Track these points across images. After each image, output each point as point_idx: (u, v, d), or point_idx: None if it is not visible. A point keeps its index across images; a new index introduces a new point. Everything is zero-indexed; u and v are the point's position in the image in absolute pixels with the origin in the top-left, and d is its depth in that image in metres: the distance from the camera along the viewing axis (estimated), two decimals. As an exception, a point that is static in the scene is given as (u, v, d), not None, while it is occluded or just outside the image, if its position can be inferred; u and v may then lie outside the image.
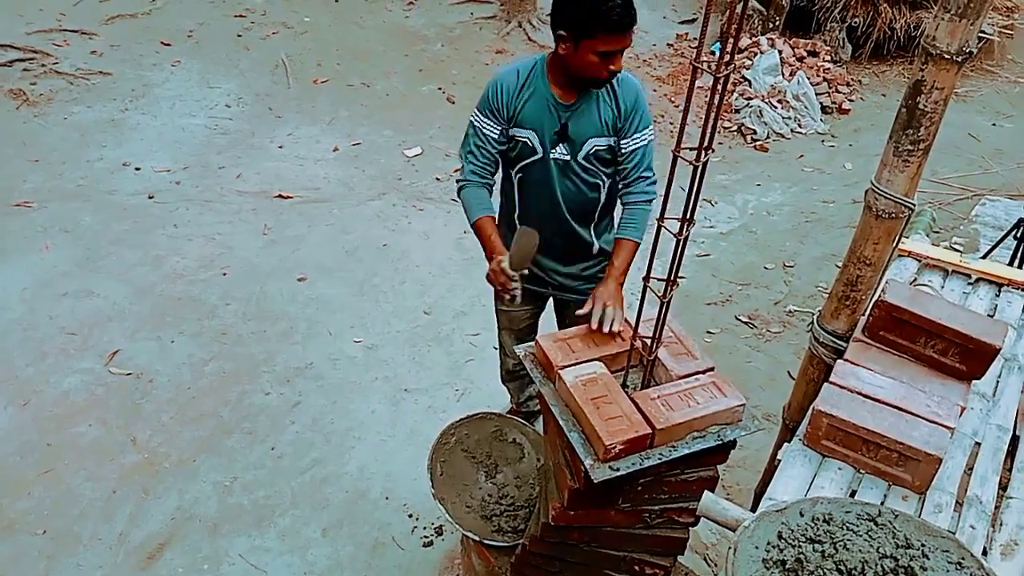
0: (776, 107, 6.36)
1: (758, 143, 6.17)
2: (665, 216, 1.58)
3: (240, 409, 3.61)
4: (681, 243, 1.59)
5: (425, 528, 3.14)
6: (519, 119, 2.44)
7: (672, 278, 1.66)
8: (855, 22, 7.24)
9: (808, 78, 6.61)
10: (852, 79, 7.06)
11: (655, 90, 6.92)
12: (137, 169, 5.21)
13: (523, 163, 2.51)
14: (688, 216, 1.55)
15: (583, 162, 2.45)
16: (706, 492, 1.58)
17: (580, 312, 2.09)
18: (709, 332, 4.27)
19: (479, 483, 2.48)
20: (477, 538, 2.30)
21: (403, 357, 3.97)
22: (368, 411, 3.66)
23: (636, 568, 2.02)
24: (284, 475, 3.33)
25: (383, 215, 5.00)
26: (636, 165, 2.45)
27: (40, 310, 4.03)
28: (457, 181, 2.57)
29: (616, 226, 2.56)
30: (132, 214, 4.80)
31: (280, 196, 5.07)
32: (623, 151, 2.42)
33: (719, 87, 1.31)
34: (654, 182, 2.49)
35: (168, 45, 6.78)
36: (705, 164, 1.48)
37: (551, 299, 2.98)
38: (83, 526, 3.05)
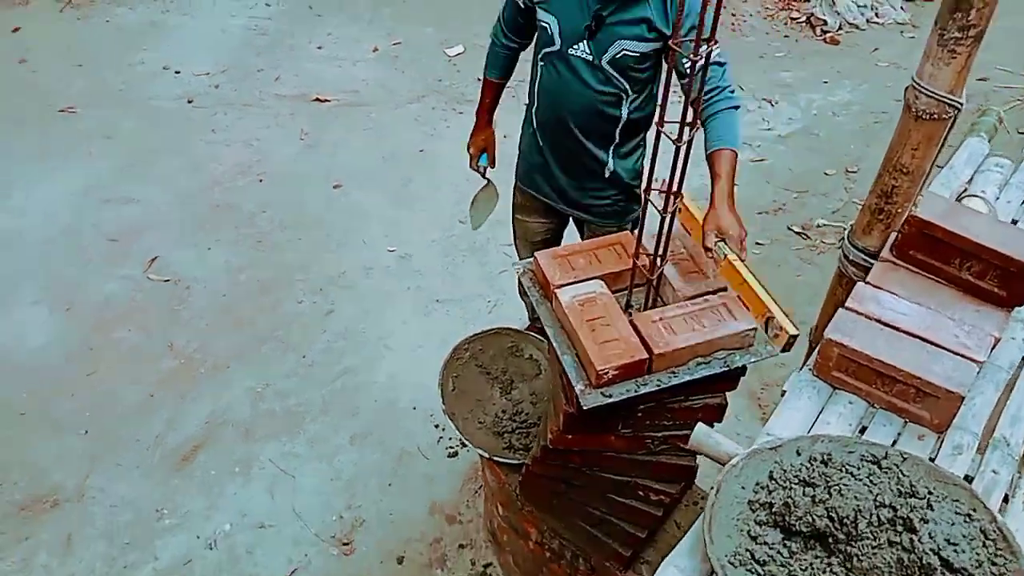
0: (852, -6, 5.80)
1: (828, 35, 5.67)
2: (664, 120, 1.40)
3: (274, 317, 3.63)
4: (683, 149, 1.42)
5: (451, 439, 3.14)
6: (544, 1, 2.19)
7: (675, 190, 1.50)
8: None
9: (891, -40, 5.98)
10: (942, -39, 6.37)
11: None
12: (177, 72, 5.16)
13: (543, 51, 2.26)
14: (691, 120, 1.37)
15: (607, 67, 2.15)
16: (699, 424, 1.46)
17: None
18: (758, 243, 4.04)
19: (493, 399, 2.42)
20: (487, 455, 2.26)
21: (436, 267, 3.90)
22: (399, 321, 3.63)
23: (641, 493, 1.94)
24: (315, 383, 3.36)
25: (421, 119, 4.85)
26: (715, 77, 2.08)
27: (84, 216, 4.10)
28: (490, 37, 2.51)
29: (709, 139, 2.06)
30: (172, 119, 4.78)
31: (318, 99, 4.96)
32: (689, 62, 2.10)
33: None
34: (734, 91, 2.14)
35: (208, -58, 6.58)
36: (707, 61, 1.28)
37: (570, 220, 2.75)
38: (123, 428, 3.16)
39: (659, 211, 1.49)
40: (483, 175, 2.77)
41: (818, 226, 4.05)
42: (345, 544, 2.83)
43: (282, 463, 3.07)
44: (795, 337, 1.46)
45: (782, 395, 1.48)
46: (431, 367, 3.38)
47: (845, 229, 1.72)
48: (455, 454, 3.10)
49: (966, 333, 1.37)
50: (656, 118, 1.41)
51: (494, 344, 2.52)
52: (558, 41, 2.20)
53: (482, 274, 3.87)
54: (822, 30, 5.71)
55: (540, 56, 2.31)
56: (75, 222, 4.07)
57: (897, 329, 1.38)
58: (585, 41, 2.16)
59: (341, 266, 3.89)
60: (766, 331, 1.54)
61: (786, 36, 5.73)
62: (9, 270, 3.77)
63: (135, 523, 2.86)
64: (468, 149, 2.71)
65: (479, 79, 5.42)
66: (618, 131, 2.31)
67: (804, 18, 5.80)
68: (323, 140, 4.65)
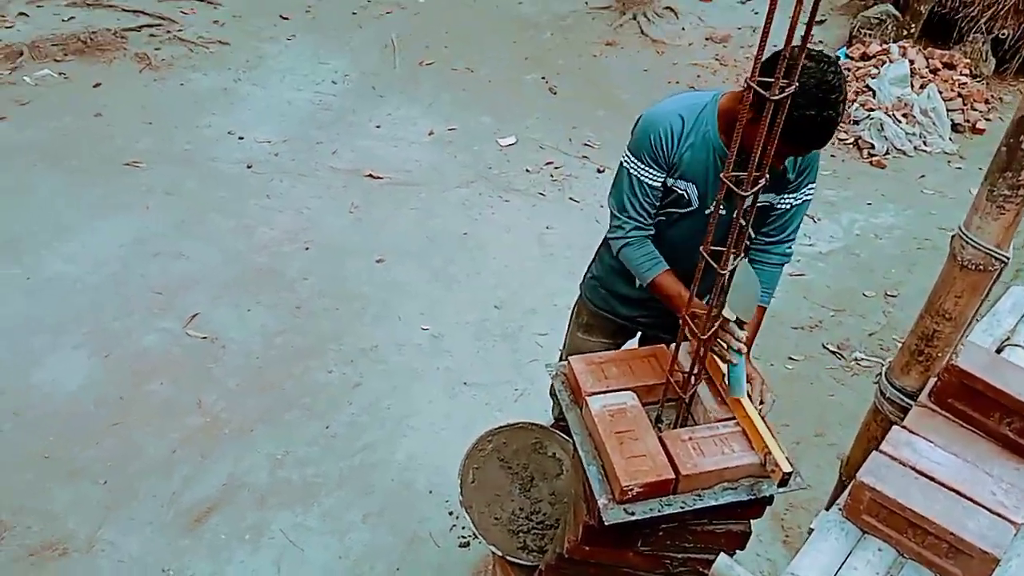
0: (900, 121, 5.90)
1: (875, 159, 5.74)
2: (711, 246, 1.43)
3: (302, 384, 3.67)
4: (726, 277, 1.44)
5: (464, 528, 3.09)
6: (680, 169, 2.06)
7: (714, 313, 1.51)
8: (1003, 34, 6.61)
9: (940, 92, 6.09)
10: (992, 96, 6.46)
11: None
12: (240, 138, 5.39)
13: (673, 212, 2.15)
14: (736, 248, 1.40)
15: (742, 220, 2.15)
16: (721, 555, 1.43)
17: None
18: (791, 359, 4.01)
19: (512, 495, 2.40)
20: (500, 553, 2.22)
21: (467, 349, 3.93)
22: (426, 400, 3.64)
23: (656, 613, 1.88)
24: (335, 455, 3.36)
25: (468, 203, 4.97)
26: (787, 223, 2.12)
27: (133, 267, 4.23)
28: (616, 238, 2.20)
29: None
30: (230, 182, 4.97)
31: (371, 176, 5.12)
32: (778, 207, 2.09)
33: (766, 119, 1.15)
34: (793, 241, 2.17)
35: (286, 19, 6.98)
36: (755, 197, 1.32)
37: (639, 334, 2.65)
38: (141, 482, 3.17)
39: (696, 335, 1.50)
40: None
41: (856, 360, 4.01)
42: (346, 628, 2.77)
43: (292, 534, 3.04)
44: (789, 475, 1.50)
45: (809, 532, 1.45)
46: (452, 451, 3.38)
47: (882, 364, 1.71)
48: (467, 544, 3.04)
49: (1004, 492, 1.33)
50: (703, 244, 1.43)
51: (518, 438, 2.51)
52: (696, 203, 2.11)
53: (512, 361, 3.88)
54: (869, 153, 5.79)
55: (673, 217, 2.18)
56: (124, 272, 4.19)
57: (932, 479, 1.36)
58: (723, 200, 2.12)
59: (374, 339, 3.94)
60: (764, 466, 1.57)
61: (832, 155, 5.81)
62: (58, 313, 3.89)
63: (140, 582, 2.84)
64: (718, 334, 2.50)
65: (527, 170, 5.56)
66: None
67: (852, 140, 5.90)
68: (371, 215, 4.78)
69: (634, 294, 2.39)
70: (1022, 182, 1.39)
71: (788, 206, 2.11)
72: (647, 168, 2.07)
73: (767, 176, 1.37)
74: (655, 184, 2.08)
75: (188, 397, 3.55)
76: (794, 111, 1.47)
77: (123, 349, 3.74)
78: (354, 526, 3.09)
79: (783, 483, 1.55)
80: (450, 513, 3.14)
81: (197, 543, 2.98)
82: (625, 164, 2.12)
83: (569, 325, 2.80)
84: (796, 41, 1.15)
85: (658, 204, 2.13)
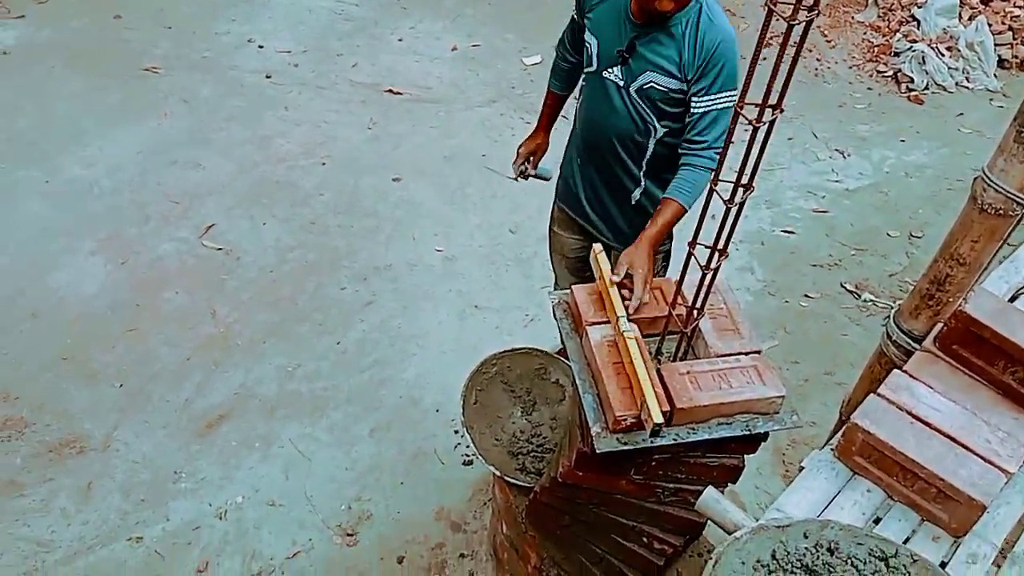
0: (944, 54, 5.63)
1: (913, 93, 5.52)
2: (719, 179, 1.38)
3: (315, 299, 3.69)
4: (734, 210, 1.40)
5: (468, 447, 3.14)
6: (589, 20, 2.23)
7: (720, 247, 1.48)
8: (1063, -36, 6.22)
9: (990, 24, 5.79)
10: (1045, 31, 6.13)
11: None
12: (260, 47, 5.28)
13: (585, 70, 2.31)
14: (746, 181, 1.35)
15: (635, 95, 2.18)
16: (709, 488, 1.44)
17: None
18: (807, 296, 3.96)
19: (513, 417, 2.42)
20: (498, 473, 2.26)
21: (480, 272, 3.92)
22: (436, 321, 3.66)
23: (645, 540, 1.92)
24: (344, 370, 3.41)
25: (488, 123, 4.87)
26: (703, 130, 2.11)
27: (150, 174, 4.23)
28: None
29: (672, 184, 2.17)
30: (248, 91, 4.90)
31: (390, 91, 5.02)
32: (692, 110, 2.11)
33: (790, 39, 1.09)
34: (719, 152, 2.17)
35: (312, -77, 6.72)
36: (771, 127, 1.26)
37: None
38: (155, 386, 3.25)
39: (701, 266, 1.47)
40: (519, 178, 2.75)
41: (865, 302, 3.95)
42: (349, 535, 2.86)
43: (301, 444, 3.12)
44: (660, 425, 1.48)
45: (800, 470, 1.45)
46: (460, 372, 3.38)
47: (892, 307, 1.67)
48: (470, 463, 3.10)
49: (999, 440, 1.32)
50: (712, 176, 1.39)
51: (522, 363, 2.52)
52: (595, 62, 2.24)
53: (524, 286, 3.87)
54: (908, 87, 5.56)
55: (583, 76, 2.35)
56: (141, 179, 4.19)
57: (928, 425, 1.34)
58: (619, 66, 2.19)
59: (387, 258, 3.94)
60: (640, 414, 1.53)
61: (869, 88, 5.60)
62: (75, 217, 3.92)
63: (152, 482, 2.94)
64: (518, 149, 2.73)
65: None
66: (645, 161, 2.33)
67: (891, 73, 5.66)
68: (389, 132, 4.71)
69: (581, 183, 2.53)
70: (1054, 123, 1.32)
71: (700, 111, 2.11)
72: (573, 8, 2.34)
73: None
74: (575, 16, 2.34)
75: (202, 307, 3.59)
76: None
77: (139, 256, 3.78)
78: (361, 439, 3.16)
79: (655, 433, 1.51)
80: (455, 432, 3.20)
81: (208, 448, 3.07)
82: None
83: None
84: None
85: (575, 40, 2.38)
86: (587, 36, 2.24)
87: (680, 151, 2.18)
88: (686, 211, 2.12)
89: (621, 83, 2.20)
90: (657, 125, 2.22)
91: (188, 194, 4.14)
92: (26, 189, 4.04)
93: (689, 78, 2.09)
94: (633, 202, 2.43)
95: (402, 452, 3.14)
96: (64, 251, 3.75)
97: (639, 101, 2.19)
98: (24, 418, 3.09)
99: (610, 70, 2.21)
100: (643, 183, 2.39)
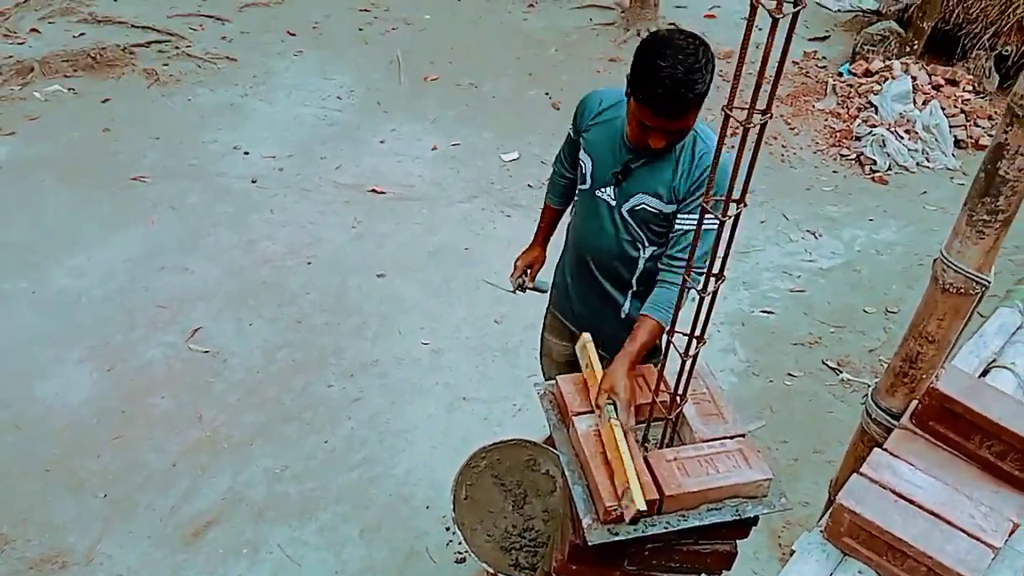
0: (903, 137, 5.90)
1: (877, 174, 5.75)
2: (693, 268, 1.45)
3: (302, 398, 3.69)
4: (708, 299, 1.46)
5: (461, 544, 3.08)
6: (585, 140, 2.30)
7: (697, 334, 1.53)
8: (1006, 50, 6.63)
9: (943, 108, 6.10)
10: (995, 112, 6.45)
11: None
12: (246, 153, 5.44)
13: (578, 188, 2.37)
14: (716, 271, 1.42)
15: (627, 215, 2.22)
16: (702, 576, 1.45)
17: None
18: (791, 375, 4.01)
19: (505, 512, 2.42)
20: (491, 571, 2.23)
21: (467, 365, 3.95)
22: (424, 415, 3.66)
23: (643, 632, 1.89)
24: (333, 469, 3.38)
25: (470, 218, 5.00)
26: (685, 248, 2.10)
27: (138, 281, 4.28)
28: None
29: (648, 301, 2.16)
30: (235, 196, 5.02)
31: (374, 191, 5.16)
32: (676, 226, 2.14)
33: (747, 137, 1.18)
34: (702, 273, 2.23)
35: (293, 35, 7.05)
36: (738, 217, 1.34)
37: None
38: (141, 495, 3.20)
39: (680, 354, 1.52)
40: (517, 290, 2.80)
41: (843, 381, 4.00)
42: (341, 643, 2.78)
43: (289, 549, 3.06)
44: (642, 512, 1.50)
45: (790, 554, 1.46)
46: (450, 466, 3.38)
47: (867, 385, 1.72)
48: (463, 560, 3.05)
49: (983, 515, 1.34)
50: (685, 267, 1.45)
51: (511, 455, 2.53)
52: (589, 181, 2.28)
53: (511, 376, 3.89)
54: (871, 169, 5.80)
55: (577, 192, 2.41)
56: (130, 286, 4.24)
57: (912, 502, 1.37)
58: (612, 187, 2.23)
59: (374, 354, 3.96)
60: (621, 501, 1.56)
61: (834, 171, 5.83)
62: (63, 327, 3.93)
63: (137, 595, 2.86)
64: (515, 262, 2.77)
65: (529, 185, 5.60)
66: (635, 278, 2.34)
67: (854, 156, 5.91)
68: (373, 230, 4.82)
69: (572, 295, 2.55)
70: (1000, 207, 1.41)
71: (688, 227, 2.12)
72: (570, 127, 2.39)
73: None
74: (573, 139, 2.39)
75: (188, 411, 3.58)
76: (647, 74, 1.89)
77: (126, 363, 3.78)
78: (351, 541, 3.11)
79: (635, 520, 1.54)
80: (447, 528, 3.15)
81: (195, 557, 3.00)
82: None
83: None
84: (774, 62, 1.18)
85: (572, 157, 2.44)
86: (582, 155, 2.30)
87: (660, 266, 2.19)
88: (663, 329, 2.08)
89: (613, 203, 2.24)
90: (646, 243, 2.26)
91: (176, 299, 4.18)
92: (14, 300, 4.07)
93: (679, 199, 2.13)
94: (623, 316, 2.41)
95: (393, 552, 3.08)
96: (52, 361, 3.75)
97: (630, 221, 2.22)
98: (5, 534, 3.02)
99: (603, 189, 2.24)
100: (633, 299, 2.38)
